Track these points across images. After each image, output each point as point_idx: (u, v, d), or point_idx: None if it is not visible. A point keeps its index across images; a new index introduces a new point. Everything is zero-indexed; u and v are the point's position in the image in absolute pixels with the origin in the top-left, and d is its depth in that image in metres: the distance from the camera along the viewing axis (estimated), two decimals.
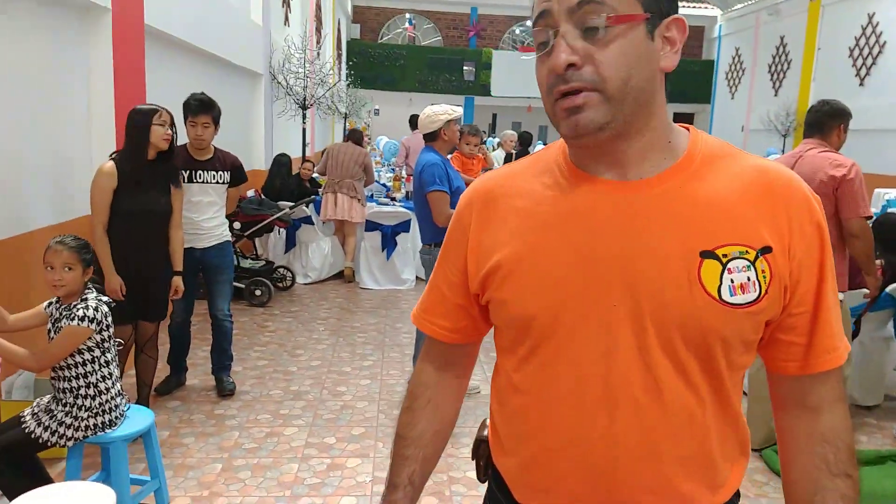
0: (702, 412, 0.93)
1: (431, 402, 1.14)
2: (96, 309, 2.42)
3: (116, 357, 2.59)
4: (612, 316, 0.92)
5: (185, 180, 3.66)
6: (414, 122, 9.01)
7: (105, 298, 2.51)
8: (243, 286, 5.76)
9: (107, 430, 2.49)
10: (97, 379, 2.46)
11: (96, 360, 2.46)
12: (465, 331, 1.10)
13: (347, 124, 15.62)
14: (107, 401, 2.48)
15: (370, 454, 3.31)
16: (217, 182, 3.78)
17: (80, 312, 2.38)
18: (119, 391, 2.57)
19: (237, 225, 5.76)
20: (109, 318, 2.50)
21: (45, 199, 3.37)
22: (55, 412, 2.41)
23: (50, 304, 2.53)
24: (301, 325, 5.36)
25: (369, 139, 15.01)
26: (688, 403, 0.92)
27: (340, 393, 4.05)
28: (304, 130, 9.26)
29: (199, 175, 3.71)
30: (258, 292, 5.80)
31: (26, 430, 2.35)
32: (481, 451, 1.15)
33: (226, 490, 2.92)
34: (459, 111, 3.93)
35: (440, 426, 1.15)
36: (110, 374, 2.52)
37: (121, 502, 2.50)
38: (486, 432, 1.14)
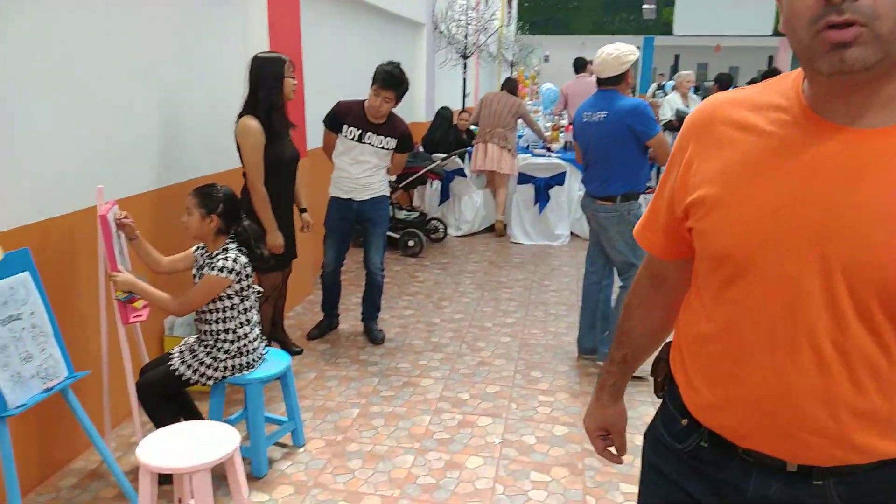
0: (891, 371, 0.91)
1: (641, 306, 1.25)
2: (235, 260, 2.52)
3: (256, 304, 2.70)
4: (807, 266, 0.90)
5: (356, 139, 3.73)
6: (578, 65, 8.53)
7: (243, 250, 2.60)
8: (398, 237, 5.88)
9: (244, 372, 2.62)
10: (236, 325, 2.58)
11: (235, 307, 2.58)
12: (677, 249, 1.13)
13: (515, 72, 15.33)
14: (245, 345, 2.61)
15: (503, 414, 3.21)
16: (382, 147, 3.80)
17: (220, 263, 2.49)
18: (258, 335, 2.69)
19: (392, 177, 5.84)
20: (248, 269, 2.59)
21: (204, 150, 3.59)
22: (197, 352, 2.58)
23: (198, 248, 2.69)
24: (449, 278, 5.36)
25: (537, 86, 14.59)
26: (876, 362, 0.91)
27: (479, 349, 3.98)
28: (464, 80, 9.17)
29: (368, 137, 3.74)
30: (411, 243, 5.89)
31: (171, 367, 2.53)
32: (660, 368, 1.21)
33: (359, 436, 2.99)
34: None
35: (647, 329, 1.26)
36: (248, 320, 2.63)
37: (256, 440, 2.65)
38: (668, 351, 1.19)
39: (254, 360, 2.65)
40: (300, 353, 3.83)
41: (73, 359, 2.44)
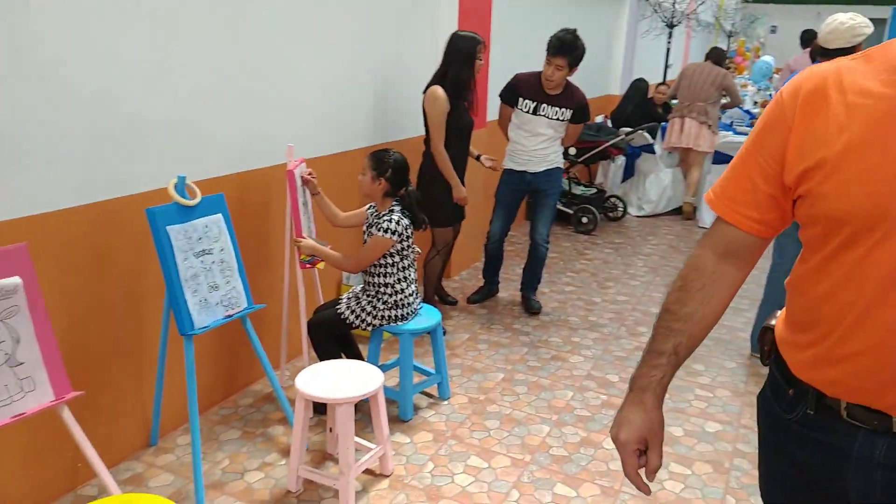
0: None
1: (705, 288, 1.16)
2: (398, 222, 2.71)
3: (414, 263, 2.88)
4: None
5: (531, 111, 3.77)
6: (806, 38, 7.64)
7: (406, 213, 2.78)
8: (571, 212, 5.81)
9: (398, 323, 2.83)
10: (394, 280, 2.79)
11: (396, 264, 2.78)
12: (771, 223, 1.12)
13: (734, 43, 14.09)
14: (401, 299, 2.80)
15: None
16: (558, 119, 3.79)
17: (386, 225, 2.69)
18: (413, 292, 2.87)
19: (572, 150, 5.76)
20: (409, 231, 2.77)
21: (405, 117, 3.87)
22: (361, 300, 2.82)
23: (370, 207, 2.92)
24: (620, 259, 5.19)
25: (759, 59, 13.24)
26: None
27: (639, 333, 3.85)
28: (667, 51, 8.64)
29: (543, 108, 3.77)
30: (584, 220, 5.78)
31: (338, 311, 2.81)
32: (766, 337, 1.21)
33: (500, 399, 3.08)
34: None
35: (708, 311, 1.17)
36: (406, 277, 2.81)
37: (404, 386, 2.86)
38: (773, 322, 1.20)
39: (408, 314, 2.84)
40: (455, 303, 4.08)
41: (259, 295, 2.82)
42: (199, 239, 2.27)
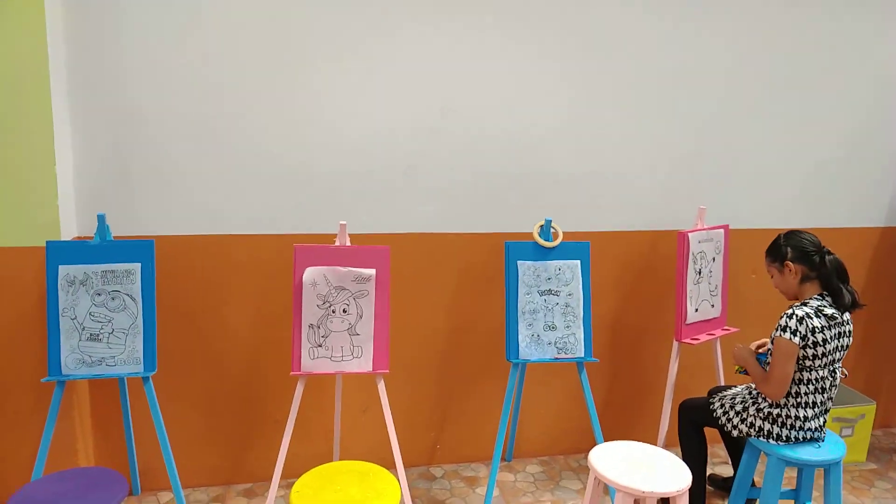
0: None
1: None
2: (800, 319, 2.13)
3: (828, 380, 2.18)
4: None
5: None
6: None
7: (826, 303, 2.16)
8: None
9: (771, 441, 2.22)
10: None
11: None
12: None
13: None
14: (784, 416, 2.20)
15: None
16: None
17: (784, 321, 2.15)
18: (809, 415, 2.18)
19: None
20: (817, 330, 2.13)
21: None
22: (736, 396, 2.35)
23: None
24: None
25: None
26: None
27: None
28: None
29: None
30: None
31: (711, 400, 2.41)
32: None
33: None
34: None
35: None
36: (797, 392, 2.18)
37: None
38: None
39: (789, 436, 2.20)
40: None
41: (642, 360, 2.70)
42: (549, 279, 2.38)
